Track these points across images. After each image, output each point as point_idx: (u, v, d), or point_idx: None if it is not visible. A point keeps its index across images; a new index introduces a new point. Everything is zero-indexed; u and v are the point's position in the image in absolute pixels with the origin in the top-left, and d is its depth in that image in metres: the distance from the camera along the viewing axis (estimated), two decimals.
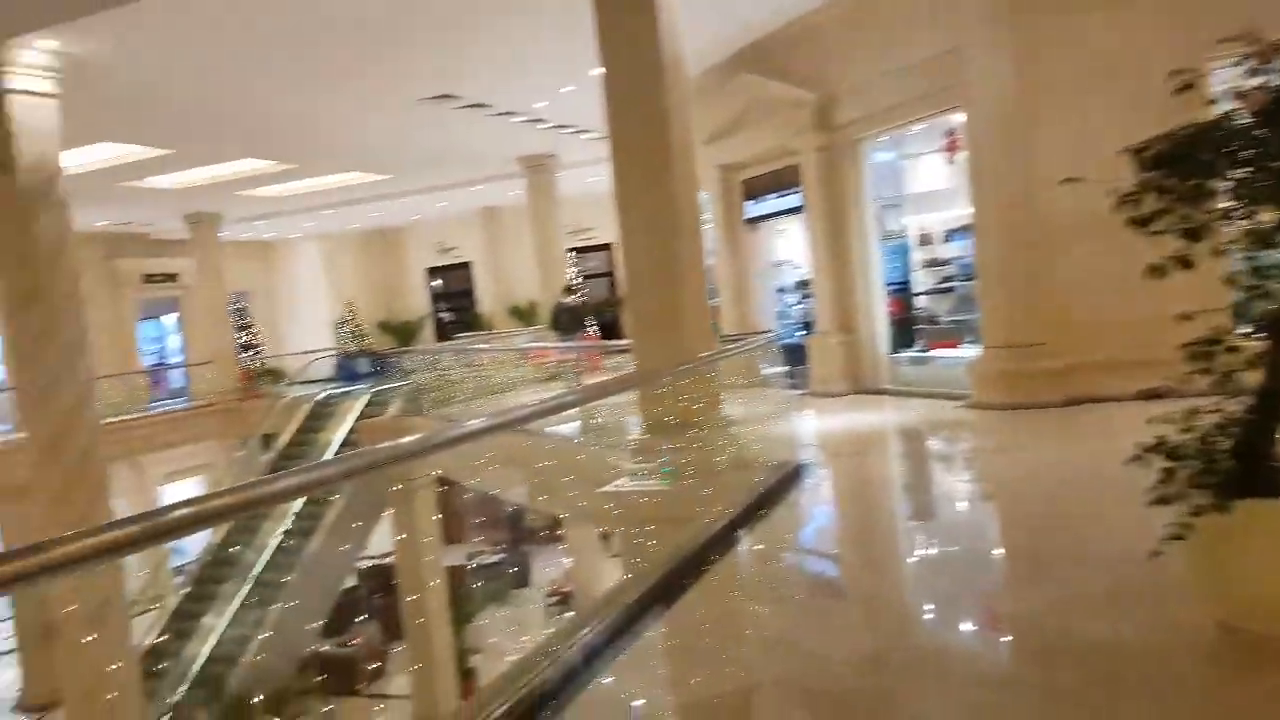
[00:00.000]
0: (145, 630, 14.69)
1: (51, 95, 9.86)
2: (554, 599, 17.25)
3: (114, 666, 9.61)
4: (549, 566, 19.33)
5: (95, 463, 10.00)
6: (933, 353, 11.51)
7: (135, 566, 14.71)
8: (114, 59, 10.13)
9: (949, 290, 11.69)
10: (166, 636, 15.16)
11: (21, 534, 16.34)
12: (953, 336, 11.36)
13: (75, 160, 11.11)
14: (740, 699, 3.65)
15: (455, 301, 26.64)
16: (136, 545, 1.88)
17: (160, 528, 1.91)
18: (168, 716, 13.55)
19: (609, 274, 24.03)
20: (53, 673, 11.14)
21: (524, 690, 3.39)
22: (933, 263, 11.94)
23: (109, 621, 9.48)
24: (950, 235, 11.63)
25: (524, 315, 22.10)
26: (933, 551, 5.57)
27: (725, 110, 13.00)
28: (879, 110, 11.16)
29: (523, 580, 19.62)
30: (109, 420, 11.77)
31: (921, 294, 12.04)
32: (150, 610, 15.66)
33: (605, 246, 23.80)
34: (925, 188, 12.05)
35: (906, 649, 3.91)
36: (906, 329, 11.96)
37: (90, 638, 9.34)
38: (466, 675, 14.49)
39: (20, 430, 10.95)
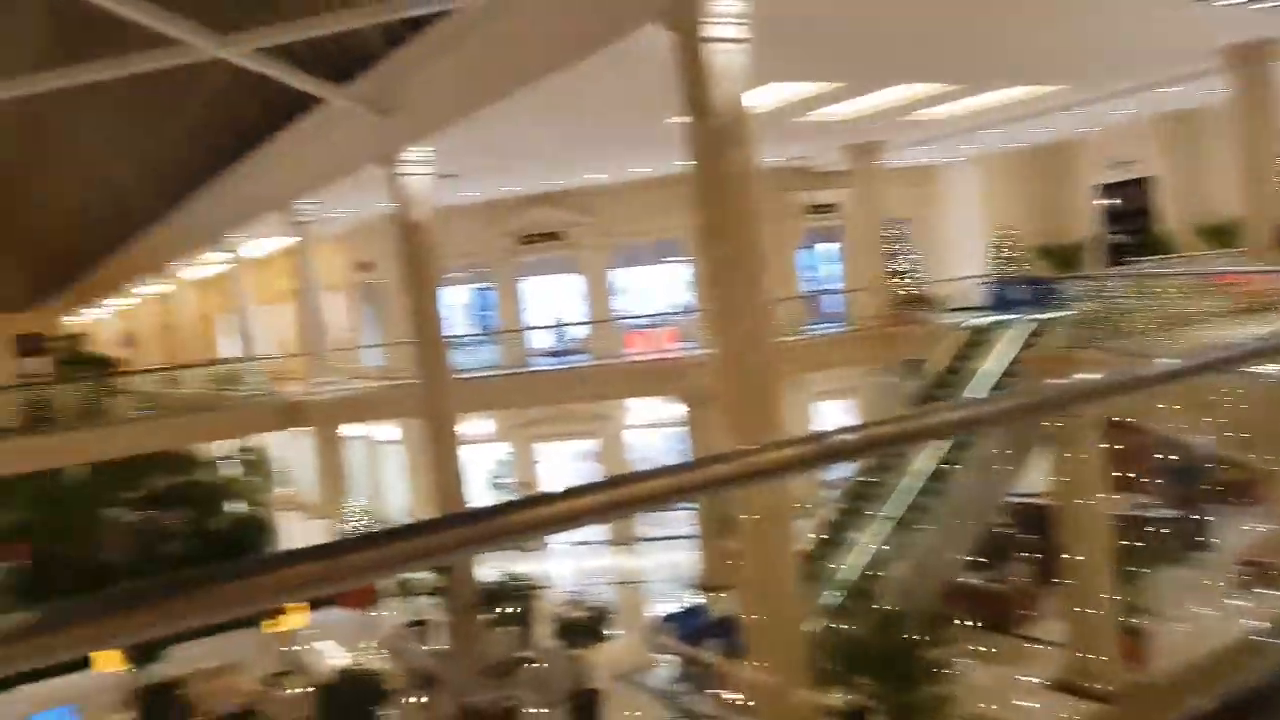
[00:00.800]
0: (800, 535, 15.97)
1: (741, 40, 10.40)
2: (1249, 570, 14.75)
3: (780, 563, 10.49)
4: (1241, 530, 16.60)
5: (769, 379, 10.80)
6: None
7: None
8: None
9: None
10: (818, 543, 16.30)
11: (704, 434, 18.96)
12: None
13: (753, 100, 11.93)
14: None
15: (1128, 222, 23.82)
16: (811, 464, 1.82)
17: (831, 449, 1.84)
18: (820, 616, 14.55)
19: None
20: (726, 561, 12.61)
21: (1232, 685, 2.64)
22: None
23: (776, 522, 10.33)
24: None
25: (1220, 236, 18.83)
26: None
27: None
28: None
29: (1201, 541, 17.10)
30: (775, 340, 12.78)
31: None
32: (803, 518, 16.98)
33: None
34: None
35: None
36: None
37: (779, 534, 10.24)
38: (1131, 634, 13.14)
39: (709, 347, 12.39)
